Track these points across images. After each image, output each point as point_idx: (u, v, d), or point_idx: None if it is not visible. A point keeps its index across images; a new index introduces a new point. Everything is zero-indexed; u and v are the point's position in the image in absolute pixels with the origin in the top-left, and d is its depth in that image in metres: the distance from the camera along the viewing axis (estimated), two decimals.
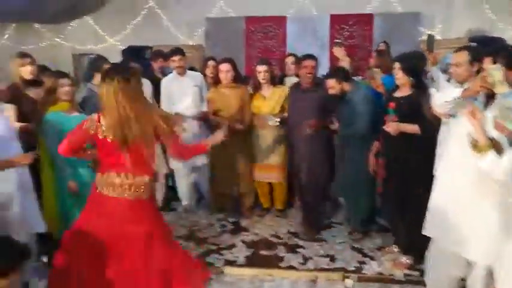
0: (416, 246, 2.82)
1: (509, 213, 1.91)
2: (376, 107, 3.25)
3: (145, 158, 2.28)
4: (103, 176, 2.32)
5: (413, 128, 2.83)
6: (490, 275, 2.12)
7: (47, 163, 3.10)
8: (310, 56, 3.67)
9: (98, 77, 3.44)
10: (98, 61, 3.65)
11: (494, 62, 2.22)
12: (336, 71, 3.48)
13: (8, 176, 2.53)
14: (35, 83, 3.27)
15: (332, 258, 3.23)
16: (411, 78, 2.87)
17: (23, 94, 3.25)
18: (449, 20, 6.93)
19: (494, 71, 2.03)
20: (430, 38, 4.00)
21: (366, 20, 7.18)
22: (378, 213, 3.67)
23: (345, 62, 4.11)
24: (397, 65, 2.92)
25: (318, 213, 3.75)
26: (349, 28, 7.24)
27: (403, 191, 2.91)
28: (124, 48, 6.95)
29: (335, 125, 3.44)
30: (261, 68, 3.82)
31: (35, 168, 2.95)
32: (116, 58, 6.56)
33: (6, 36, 7.12)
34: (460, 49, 2.56)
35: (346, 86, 3.35)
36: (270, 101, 3.84)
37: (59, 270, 2.36)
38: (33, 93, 3.26)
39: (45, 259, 3.20)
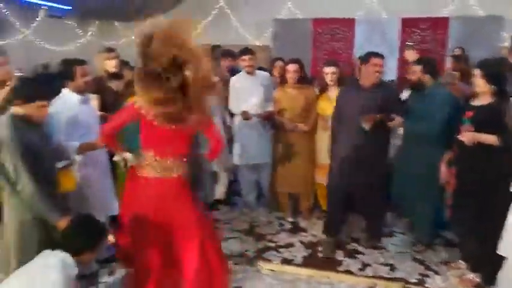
0: (487, 264, 2.66)
1: None
2: (454, 113, 3.06)
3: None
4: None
5: (491, 139, 2.67)
6: None
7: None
8: (379, 55, 3.34)
9: None
10: None
11: None
12: (426, 60, 3.37)
13: (89, 159, 2.77)
14: (116, 76, 3.53)
15: (392, 268, 3.14)
16: (493, 86, 2.71)
17: (106, 86, 3.51)
18: None
19: None
20: None
21: (441, 23, 6.86)
22: (444, 226, 3.50)
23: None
24: (478, 72, 2.75)
25: (380, 221, 3.64)
26: (421, 32, 6.96)
27: (477, 205, 2.75)
28: None
29: (396, 121, 3.21)
30: (329, 70, 3.80)
31: (111, 153, 3.19)
32: None
33: (90, 33, 7.69)
34: None
35: (428, 80, 3.21)
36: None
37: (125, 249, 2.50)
38: (114, 85, 3.52)
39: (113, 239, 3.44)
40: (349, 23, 7.24)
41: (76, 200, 2.75)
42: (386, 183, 3.43)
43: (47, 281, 1.86)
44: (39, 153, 2.24)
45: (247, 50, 4.13)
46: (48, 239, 2.24)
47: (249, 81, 4.08)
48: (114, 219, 3.29)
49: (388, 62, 6.92)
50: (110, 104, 3.46)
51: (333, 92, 3.82)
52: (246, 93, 4.05)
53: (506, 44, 6.36)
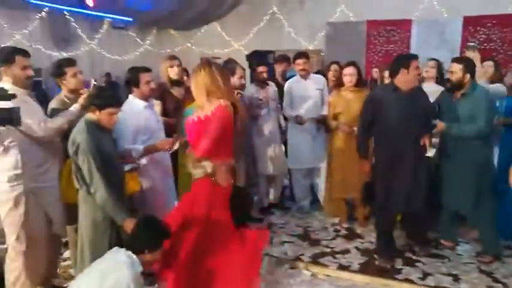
0: None
1: None
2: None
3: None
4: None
5: None
6: None
7: (183, 155, 3.45)
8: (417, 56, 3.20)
9: (232, 81, 3.72)
10: (230, 63, 3.95)
11: None
12: (465, 60, 3.22)
13: (152, 160, 2.91)
14: (178, 83, 3.68)
15: (456, 278, 3.00)
16: None
17: (169, 92, 3.68)
18: None
19: None
20: None
21: (508, 21, 6.47)
22: None
23: (479, 68, 3.77)
24: None
25: (424, 226, 3.48)
26: (487, 31, 6.60)
27: None
28: (248, 53, 7.35)
29: (439, 127, 3.12)
30: (387, 74, 3.72)
31: (174, 159, 3.33)
32: (240, 62, 7.03)
33: (148, 42, 8.08)
34: None
35: (468, 80, 3.07)
36: None
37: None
38: (176, 91, 3.68)
39: None
40: (406, 24, 7.05)
41: (140, 201, 2.91)
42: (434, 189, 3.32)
43: (119, 275, 1.98)
44: (110, 157, 2.40)
45: (301, 54, 4.16)
46: (118, 238, 2.39)
47: (303, 85, 4.10)
48: None
49: (449, 63, 6.70)
50: (172, 109, 3.62)
51: None
52: (300, 97, 4.07)
53: None
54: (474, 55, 3.90)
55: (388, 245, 3.29)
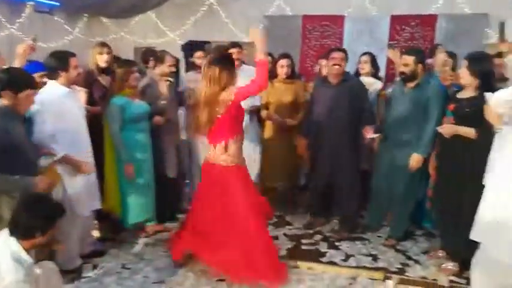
0: (465, 252, 2.72)
1: None
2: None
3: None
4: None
5: (468, 131, 2.73)
6: None
7: (109, 145, 3.33)
8: (340, 49, 3.70)
9: (160, 68, 3.65)
10: (161, 52, 3.86)
11: None
12: (416, 51, 3.38)
13: (74, 154, 2.77)
14: (107, 71, 3.53)
15: (375, 258, 3.20)
16: (478, 80, 2.76)
17: (96, 80, 3.52)
18: None
19: None
20: (501, 25, 3.77)
21: (429, 21, 6.93)
22: (425, 217, 3.56)
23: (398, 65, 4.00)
24: (463, 63, 2.80)
25: (353, 213, 3.67)
26: (411, 29, 7.02)
27: (455, 196, 2.81)
28: (183, 43, 7.24)
29: (373, 135, 3.34)
30: (325, 62, 3.84)
31: (99, 149, 3.20)
32: (175, 52, 6.89)
33: (77, 29, 7.65)
34: None
35: (420, 69, 3.20)
36: None
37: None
38: (104, 80, 3.53)
39: (96, 234, 3.46)
40: (339, 20, 7.28)
41: (59, 195, 2.76)
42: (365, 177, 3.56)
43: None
44: (21, 146, 2.25)
45: (235, 44, 4.17)
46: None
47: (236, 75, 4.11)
48: (99, 214, 3.33)
49: (379, 60, 7.06)
50: (98, 98, 3.48)
51: None
52: None
53: (492, 41, 6.46)
54: (394, 52, 4.12)
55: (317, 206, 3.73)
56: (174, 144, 3.73)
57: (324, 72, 3.85)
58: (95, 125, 3.23)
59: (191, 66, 4.23)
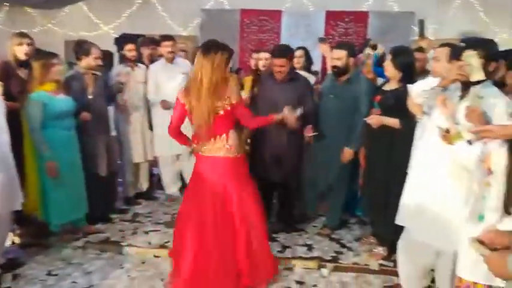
0: (392, 237, 2.85)
1: (475, 202, 1.93)
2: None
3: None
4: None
5: (393, 122, 2.85)
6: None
7: (29, 143, 3.10)
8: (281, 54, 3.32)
9: (86, 60, 3.45)
10: (86, 44, 3.64)
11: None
12: (347, 45, 3.41)
13: None
14: (27, 64, 3.26)
15: (310, 248, 3.26)
16: (400, 73, 2.88)
17: (14, 73, 3.24)
18: (443, 20, 6.94)
19: (470, 57, 2.04)
20: (421, 23, 3.99)
21: (361, 17, 7.21)
22: (358, 206, 3.70)
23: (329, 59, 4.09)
24: (388, 57, 2.93)
25: (291, 205, 3.69)
26: (345, 25, 7.26)
27: (384, 184, 2.93)
28: (117, 36, 6.92)
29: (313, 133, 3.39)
30: (263, 55, 3.80)
31: (18, 147, 2.96)
32: (109, 46, 6.58)
33: None
34: (442, 45, 2.59)
35: (351, 63, 3.27)
36: None
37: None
38: (23, 73, 3.26)
39: (16, 239, 3.22)
40: (276, 14, 7.35)
41: None
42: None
43: None
44: None
45: (168, 36, 4.07)
46: None
47: (169, 69, 4.00)
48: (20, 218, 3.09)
49: (314, 54, 7.25)
50: (16, 92, 3.20)
51: None
52: (166, 82, 3.97)
53: (416, 37, 6.86)
54: (325, 47, 4.20)
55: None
56: (104, 141, 3.54)
57: (261, 66, 3.83)
58: (14, 121, 2.97)
59: (122, 60, 4.04)
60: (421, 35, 3.85)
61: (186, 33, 7.50)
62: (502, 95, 1.96)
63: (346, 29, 7.28)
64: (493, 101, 1.98)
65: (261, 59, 3.81)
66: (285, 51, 3.31)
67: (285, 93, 3.24)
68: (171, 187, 4.24)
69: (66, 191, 3.17)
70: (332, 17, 7.28)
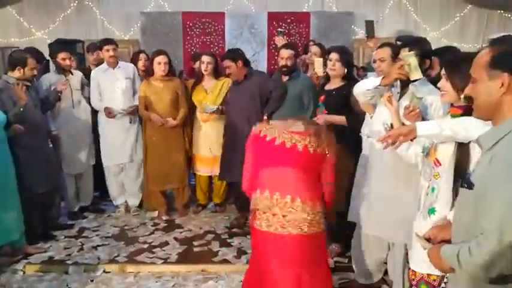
0: (344, 234, 2.90)
1: (425, 196, 2.00)
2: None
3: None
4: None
5: (340, 119, 2.90)
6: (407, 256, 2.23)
7: None
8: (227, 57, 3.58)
9: (20, 71, 3.20)
10: (23, 54, 3.37)
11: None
12: (293, 46, 3.61)
13: None
14: None
15: None
16: (346, 70, 2.93)
17: None
18: (380, 21, 7.25)
19: (409, 57, 2.12)
20: (369, 23, 4.12)
21: (303, 18, 7.34)
22: None
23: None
24: (334, 55, 2.93)
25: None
26: (287, 26, 7.35)
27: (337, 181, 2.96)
28: (51, 41, 6.52)
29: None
30: (205, 59, 3.75)
31: None
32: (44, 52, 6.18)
33: None
34: (383, 45, 2.68)
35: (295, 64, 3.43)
36: (211, 94, 3.77)
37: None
38: None
39: None
40: (219, 16, 7.29)
41: None
42: None
43: None
44: None
45: (109, 40, 3.91)
46: None
47: (112, 74, 3.83)
48: None
49: (259, 55, 7.30)
50: None
51: (208, 82, 3.78)
52: (109, 87, 3.80)
53: (358, 36, 7.12)
54: (282, 39, 4.24)
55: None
56: (41, 154, 3.30)
57: (202, 69, 3.77)
58: None
59: (57, 68, 3.78)
60: (370, 35, 3.99)
61: (128, 37, 7.24)
62: (437, 92, 2.06)
63: (289, 30, 7.38)
64: (430, 100, 2.08)
65: (203, 62, 3.75)
66: (228, 54, 3.60)
67: (239, 93, 3.47)
68: (118, 198, 4.04)
69: (0, 211, 2.90)
70: (274, 18, 7.35)
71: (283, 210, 1.98)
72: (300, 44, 7.01)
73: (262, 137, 2.09)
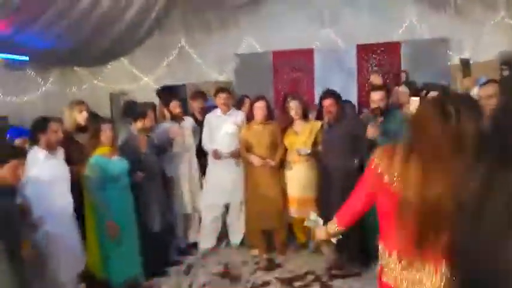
0: None
1: None
2: None
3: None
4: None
5: None
6: None
7: (89, 206, 3.28)
8: (329, 95, 3.76)
9: (140, 123, 3.65)
10: (140, 107, 3.82)
11: None
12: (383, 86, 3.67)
13: (51, 215, 2.71)
14: (85, 129, 3.51)
15: None
16: None
17: (73, 139, 3.48)
18: (478, 43, 6.85)
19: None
20: (464, 61, 4.00)
21: (393, 47, 7.22)
22: None
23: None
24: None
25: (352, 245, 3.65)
26: (377, 57, 7.29)
27: None
28: (158, 87, 7.26)
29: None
30: (293, 104, 3.91)
31: (79, 209, 3.15)
32: (150, 96, 6.90)
33: (51, 80, 7.60)
34: (488, 82, 2.60)
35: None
36: (301, 136, 3.90)
37: None
38: (81, 138, 3.50)
39: None
40: (308, 53, 7.49)
41: (42, 258, 2.69)
42: None
43: None
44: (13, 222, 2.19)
45: (223, 89, 4.22)
46: None
47: (223, 119, 4.13)
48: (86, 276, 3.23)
49: (349, 88, 7.26)
50: (75, 158, 3.42)
51: (298, 126, 3.93)
52: (219, 132, 4.09)
53: (453, 62, 6.78)
54: (377, 78, 4.27)
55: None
56: (156, 197, 3.68)
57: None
58: (74, 184, 3.18)
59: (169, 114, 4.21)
60: (466, 74, 3.85)
61: (222, 78, 7.77)
62: None
63: (379, 61, 7.30)
64: None
65: (292, 108, 3.91)
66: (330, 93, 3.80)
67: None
68: (206, 241, 4.23)
69: (125, 249, 3.30)
70: (363, 50, 7.34)
71: None
72: (391, 75, 6.92)
73: None
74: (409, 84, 4.58)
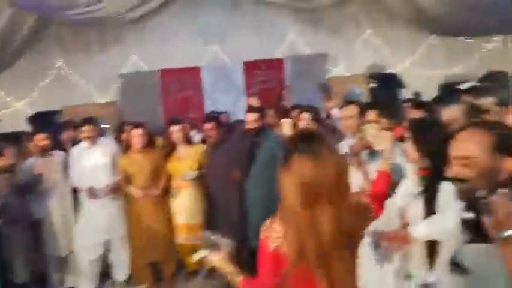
0: None
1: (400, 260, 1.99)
2: None
3: None
4: None
5: None
6: None
7: None
8: (208, 119, 3.88)
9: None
10: None
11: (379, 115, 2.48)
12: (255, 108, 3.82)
13: None
14: None
15: None
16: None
17: None
18: (350, 58, 7.51)
19: (368, 129, 2.21)
20: (323, 86, 4.39)
21: (277, 64, 7.54)
22: None
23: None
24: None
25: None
26: (263, 73, 7.53)
27: None
28: (31, 115, 6.57)
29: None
30: (174, 128, 3.80)
31: None
32: (22, 125, 6.22)
33: None
34: (348, 103, 2.80)
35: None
36: (187, 161, 3.81)
37: None
38: None
39: None
40: (195, 71, 7.44)
41: None
42: None
43: None
44: None
45: (85, 121, 3.88)
46: None
47: (92, 152, 3.82)
48: None
49: (238, 104, 7.36)
50: None
51: (182, 150, 3.82)
52: (89, 167, 3.77)
53: (330, 75, 7.34)
54: (255, 101, 4.38)
55: None
56: (22, 243, 3.27)
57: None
58: None
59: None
60: (328, 97, 4.22)
61: (106, 99, 7.35)
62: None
63: (265, 76, 7.56)
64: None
65: (172, 132, 3.85)
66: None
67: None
68: (86, 284, 3.86)
69: None
70: (250, 68, 7.53)
71: None
72: (276, 91, 7.20)
73: None
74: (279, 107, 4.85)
